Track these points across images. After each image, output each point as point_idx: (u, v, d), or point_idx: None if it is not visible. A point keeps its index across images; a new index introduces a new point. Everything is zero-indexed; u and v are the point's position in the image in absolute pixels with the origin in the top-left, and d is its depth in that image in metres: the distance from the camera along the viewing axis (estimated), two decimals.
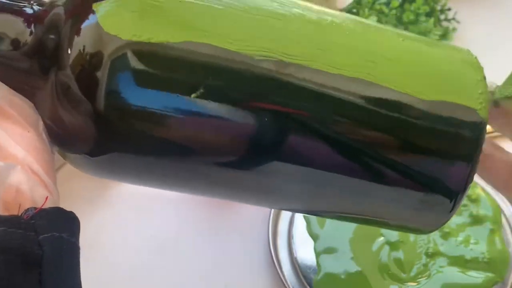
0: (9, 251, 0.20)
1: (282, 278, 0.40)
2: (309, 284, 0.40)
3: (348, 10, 0.55)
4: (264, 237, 0.43)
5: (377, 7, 0.54)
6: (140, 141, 0.25)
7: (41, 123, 0.25)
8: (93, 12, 0.24)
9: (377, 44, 0.28)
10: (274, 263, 0.41)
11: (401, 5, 0.59)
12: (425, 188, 0.28)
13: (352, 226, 0.44)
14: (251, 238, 0.44)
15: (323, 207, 0.30)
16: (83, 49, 0.23)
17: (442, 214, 0.29)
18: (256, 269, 0.43)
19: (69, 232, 0.23)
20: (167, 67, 0.23)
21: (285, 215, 0.45)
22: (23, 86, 0.25)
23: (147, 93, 0.23)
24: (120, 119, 0.23)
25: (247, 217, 0.46)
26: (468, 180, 0.28)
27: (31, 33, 0.25)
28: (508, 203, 0.45)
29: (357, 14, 0.54)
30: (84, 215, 0.47)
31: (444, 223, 0.30)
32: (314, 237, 0.43)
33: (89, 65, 0.23)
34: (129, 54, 0.23)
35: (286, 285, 0.40)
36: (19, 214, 0.21)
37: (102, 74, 0.23)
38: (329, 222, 0.44)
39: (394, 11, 0.55)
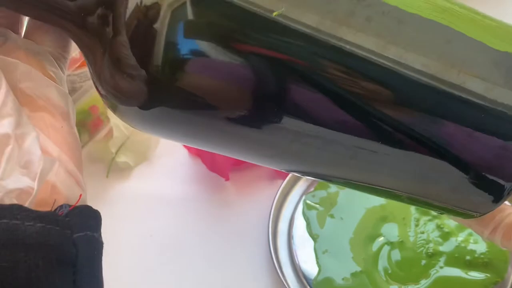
0: (47, 248, 0.20)
1: (282, 278, 0.40)
2: (309, 284, 0.40)
3: None
4: (264, 237, 0.43)
5: None
6: (191, 96, 0.23)
7: (73, 116, 0.24)
8: None
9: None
10: (274, 263, 0.41)
11: None
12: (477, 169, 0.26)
13: (352, 226, 0.44)
14: (251, 239, 0.44)
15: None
16: (141, 2, 0.22)
17: (488, 201, 0.27)
18: (256, 269, 0.43)
19: (98, 231, 0.23)
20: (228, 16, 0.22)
21: (285, 215, 0.45)
22: (72, 34, 0.24)
23: (206, 45, 0.22)
24: (178, 73, 0.22)
25: (247, 217, 0.46)
26: None
27: None
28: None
29: None
30: None
31: (491, 210, 0.29)
32: (314, 237, 0.43)
33: (146, 16, 0.22)
34: (189, 4, 0.22)
35: (286, 285, 0.40)
36: (54, 210, 0.21)
37: (161, 25, 0.22)
38: (329, 222, 0.44)
39: None
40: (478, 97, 0.25)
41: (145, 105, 0.24)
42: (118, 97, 0.24)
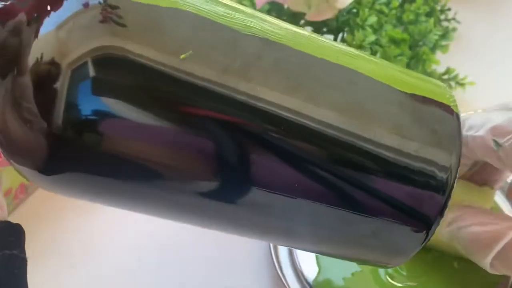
0: None
1: (282, 278, 0.40)
2: (309, 284, 0.40)
3: (348, 10, 0.55)
4: None
5: (377, 7, 0.54)
6: (101, 160, 0.22)
7: None
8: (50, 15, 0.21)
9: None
10: (274, 263, 0.41)
11: (401, 5, 0.58)
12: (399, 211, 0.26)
13: None
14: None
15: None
16: (41, 57, 0.21)
17: (413, 243, 0.27)
18: (256, 269, 0.43)
19: (19, 247, 0.22)
20: (131, 75, 0.22)
21: None
22: None
23: (111, 104, 0.21)
24: (81, 135, 0.21)
25: None
26: (445, 204, 0.26)
27: None
28: (508, 203, 0.45)
29: (357, 14, 0.54)
30: (84, 214, 0.47)
31: (412, 254, 0.28)
32: None
33: (47, 74, 0.21)
34: (91, 62, 0.21)
35: (286, 285, 0.40)
36: None
37: (61, 85, 0.21)
38: None
39: (394, 11, 0.55)
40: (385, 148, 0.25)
41: (45, 170, 0.23)
42: (16, 153, 0.23)
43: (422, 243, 0.27)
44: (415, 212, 0.26)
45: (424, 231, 0.26)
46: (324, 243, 0.29)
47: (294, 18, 0.56)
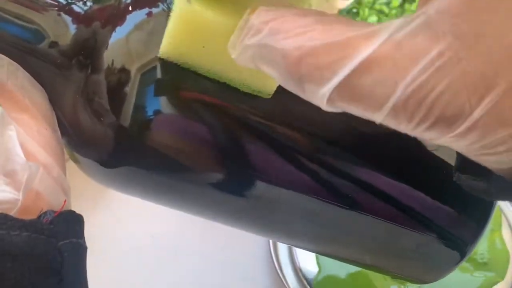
0: (33, 257, 0.20)
1: (282, 278, 0.40)
2: (309, 284, 0.40)
3: (348, 10, 0.55)
4: (264, 237, 0.43)
5: (377, 7, 0.54)
6: (157, 159, 0.24)
7: (55, 119, 0.24)
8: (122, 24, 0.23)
9: None
10: (274, 263, 0.41)
11: (401, 5, 0.58)
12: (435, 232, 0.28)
13: None
14: (251, 239, 0.44)
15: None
16: (112, 63, 0.23)
17: (449, 264, 0.30)
18: (256, 269, 0.43)
19: (82, 236, 0.23)
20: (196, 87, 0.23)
21: None
22: (43, 77, 0.24)
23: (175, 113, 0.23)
24: (144, 136, 0.23)
25: None
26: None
27: (71, 32, 0.24)
28: (508, 203, 0.45)
29: (357, 14, 0.54)
30: (84, 214, 0.47)
31: (448, 273, 0.31)
32: None
33: (118, 78, 0.23)
34: (161, 67, 0.22)
35: (286, 285, 0.40)
36: (39, 218, 0.21)
37: (130, 89, 0.22)
38: None
39: (394, 11, 0.55)
40: None
41: (107, 163, 0.24)
42: (82, 145, 0.25)
43: (458, 263, 0.30)
44: (455, 235, 0.28)
45: (459, 253, 0.29)
46: (371, 254, 0.30)
47: None
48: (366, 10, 0.52)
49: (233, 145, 0.24)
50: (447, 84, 0.14)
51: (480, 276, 0.41)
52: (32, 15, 0.23)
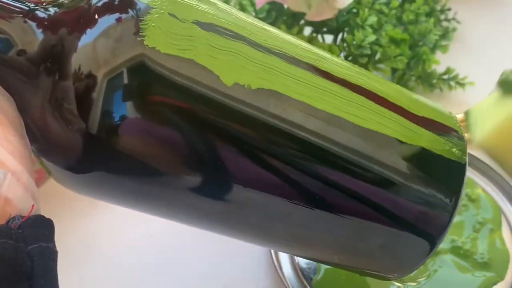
0: (3, 263, 0.19)
1: (282, 278, 0.40)
2: (309, 284, 0.40)
3: (348, 10, 0.55)
4: None
5: (377, 7, 0.54)
6: (126, 165, 0.24)
7: (23, 126, 0.24)
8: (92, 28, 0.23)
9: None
10: (274, 263, 0.41)
11: (401, 5, 0.58)
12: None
13: None
14: None
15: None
16: (79, 68, 0.23)
17: (418, 257, 0.30)
18: (256, 269, 0.43)
19: (52, 241, 0.22)
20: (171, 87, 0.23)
21: None
22: (11, 85, 0.24)
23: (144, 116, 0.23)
24: (112, 141, 0.23)
25: None
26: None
27: (38, 37, 0.24)
28: (508, 203, 0.45)
29: (357, 14, 0.54)
30: (84, 214, 0.47)
31: (418, 267, 0.31)
32: None
33: (85, 84, 0.23)
34: (128, 72, 0.23)
35: (286, 285, 0.40)
36: (7, 223, 0.21)
37: (97, 95, 0.23)
38: None
39: (394, 11, 0.55)
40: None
41: (76, 168, 0.24)
42: (50, 151, 0.25)
43: (427, 256, 0.30)
44: (424, 228, 0.29)
45: (429, 246, 0.30)
46: (336, 253, 0.31)
47: (294, 18, 0.56)
48: (366, 10, 0.52)
49: (200, 148, 0.24)
50: None
51: (480, 276, 0.41)
52: (0, 23, 0.23)
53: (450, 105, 0.55)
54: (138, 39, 0.23)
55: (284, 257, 0.42)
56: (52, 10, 0.24)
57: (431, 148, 0.29)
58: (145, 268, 0.43)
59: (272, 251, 0.42)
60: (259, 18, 0.55)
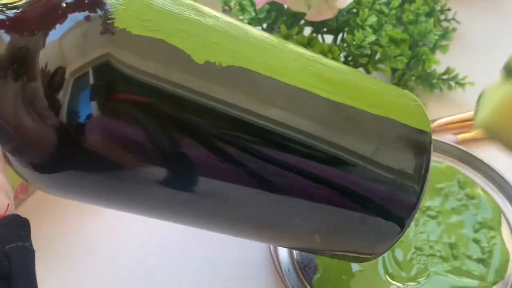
0: None
1: (282, 278, 0.40)
2: (309, 284, 0.40)
3: (348, 10, 0.55)
4: None
5: (377, 7, 0.54)
6: (95, 162, 0.24)
7: None
8: (56, 27, 0.23)
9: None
10: (274, 263, 0.41)
11: (401, 5, 0.58)
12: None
13: None
14: None
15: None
16: (46, 66, 0.23)
17: (390, 236, 0.31)
18: (256, 269, 0.43)
19: (28, 240, 0.22)
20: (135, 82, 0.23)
21: None
22: None
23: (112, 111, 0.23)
24: (80, 140, 0.23)
25: None
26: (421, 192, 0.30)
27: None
28: (508, 203, 0.45)
29: (357, 14, 0.54)
30: (84, 214, 0.47)
31: (391, 245, 0.32)
32: None
33: (51, 82, 0.23)
34: (93, 72, 0.22)
35: (286, 285, 0.40)
36: None
37: (64, 93, 0.22)
38: None
39: (394, 11, 0.55)
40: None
41: (51, 162, 0.24)
42: (20, 149, 0.24)
43: (399, 235, 0.31)
44: (394, 210, 0.31)
45: (399, 226, 0.31)
46: (315, 232, 0.32)
47: (294, 18, 0.56)
48: (366, 10, 0.52)
49: (167, 144, 0.24)
50: None
51: (480, 276, 0.41)
52: None
53: (450, 105, 0.55)
54: (105, 36, 0.23)
55: (284, 257, 0.42)
56: (13, 11, 0.24)
57: (396, 118, 0.30)
58: (145, 268, 0.43)
59: (272, 250, 0.42)
60: (259, 18, 0.55)
